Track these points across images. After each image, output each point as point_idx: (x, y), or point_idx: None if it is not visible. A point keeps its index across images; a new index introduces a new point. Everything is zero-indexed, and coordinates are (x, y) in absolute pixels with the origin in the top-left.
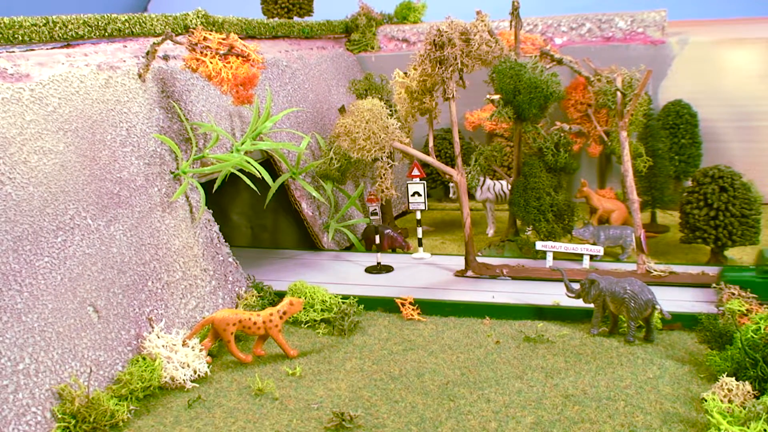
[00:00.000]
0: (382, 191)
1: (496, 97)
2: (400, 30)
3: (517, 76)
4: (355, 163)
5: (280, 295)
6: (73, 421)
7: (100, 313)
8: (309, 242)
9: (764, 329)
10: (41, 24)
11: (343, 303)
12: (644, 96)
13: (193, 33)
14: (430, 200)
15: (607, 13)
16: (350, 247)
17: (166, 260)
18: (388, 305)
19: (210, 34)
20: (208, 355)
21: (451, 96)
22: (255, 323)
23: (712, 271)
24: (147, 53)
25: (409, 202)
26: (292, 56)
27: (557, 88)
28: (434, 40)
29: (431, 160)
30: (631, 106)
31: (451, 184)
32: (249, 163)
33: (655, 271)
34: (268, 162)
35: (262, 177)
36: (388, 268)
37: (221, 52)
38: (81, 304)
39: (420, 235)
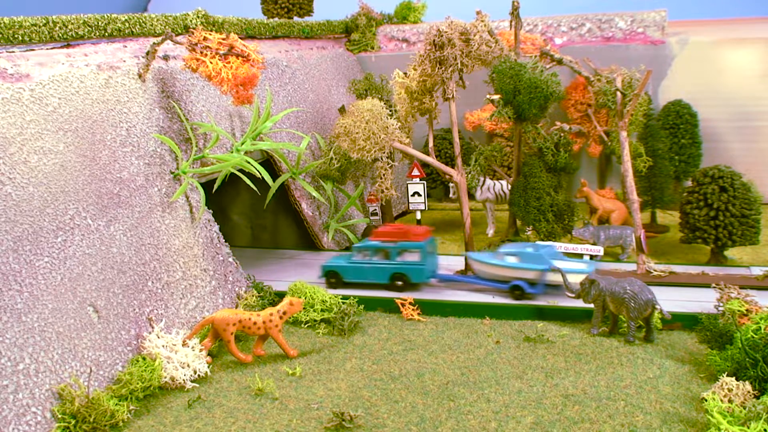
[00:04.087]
0: (382, 191)
1: (496, 97)
2: (400, 30)
3: (517, 76)
4: (355, 163)
5: (280, 295)
6: (73, 421)
7: (100, 313)
8: (309, 242)
9: (764, 329)
10: (41, 24)
11: (343, 303)
12: (644, 96)
13: (193, 33)
14: (430, 200)
15: (607, 13)
16: (350, 247)
17: (166, 260)
18: (388, 305)
19: (210, 34)
20: (208, 355)
21: (451, 96)
22: (255, 323)
23: (712, 271)
24: (147, 53)
25: (409, 202)
26: (292, 56)
27: (557, 88)
28: (434, 41)
29: (431, 160)
30: (631, 106)
31: (451, 184)
32: (249, 163)
33: (655, 271)
34: (268, 162)
35: (262, 177)
36: None
37: (221, 52)
38: (81, 304)
39: None
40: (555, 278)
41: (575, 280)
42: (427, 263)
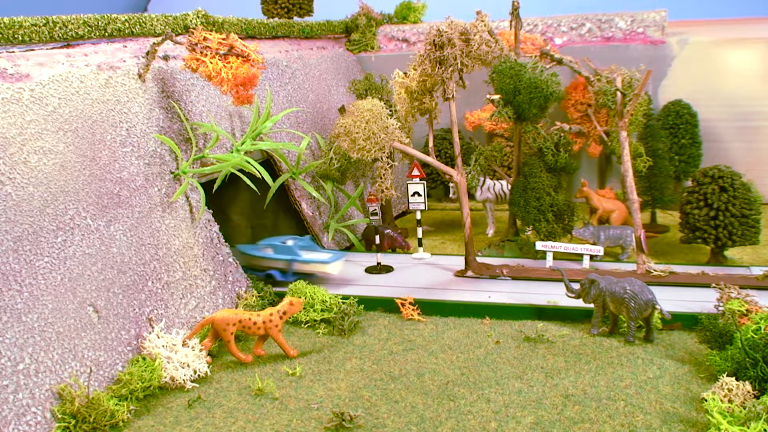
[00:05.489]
0: (382, 191)
1: (496, 97)
2: (400, 30)
3: (517, 76)
4: (355, 163)
5: (280, 295)
6: (73, 421)
7: (100, 313)
8: None
9: (764, 329)
10: (41, 24)
11: (343, 303)
12: (644, 96)
13: (193, 33)
14: (430, 200)
15: (607, 13)
16: (350, 247)
17: (166, 260)
18: (388, 305)
19: (210, 34)
20: (208, 355)
21: (451, 96)
22: (255, 323)
23: (711, 271)
24: (147, 53)
25: (409, 202)
26: (292, 56)
27: (557, 88)
28: (434, 41)
29: (431, 160)
30: (631, 106)
31: (451, 184)
32: (249, 163)
33: (655, 271)
34: (268, 162)
35: (262, 177)
36: (388, 268)
37: (221, 52)
38: (81, 304)
39: (420, 235)
40: (303, 268)
41: (317, 269)
42: None
